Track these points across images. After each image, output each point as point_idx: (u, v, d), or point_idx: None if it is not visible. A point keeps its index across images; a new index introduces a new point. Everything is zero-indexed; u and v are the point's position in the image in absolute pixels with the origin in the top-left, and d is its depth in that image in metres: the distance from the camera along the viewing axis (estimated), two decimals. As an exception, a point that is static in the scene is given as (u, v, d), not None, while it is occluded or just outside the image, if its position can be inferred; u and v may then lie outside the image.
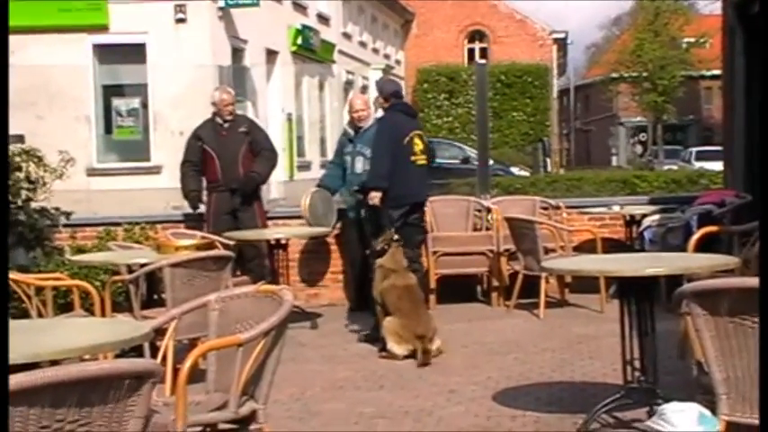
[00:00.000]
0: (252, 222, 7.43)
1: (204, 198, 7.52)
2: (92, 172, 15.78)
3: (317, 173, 22.28)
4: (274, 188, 16.86)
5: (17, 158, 5.67)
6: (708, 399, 3.21)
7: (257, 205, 7.62)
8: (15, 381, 2.02)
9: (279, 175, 17.51)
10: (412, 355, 5.86)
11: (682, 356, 4.71)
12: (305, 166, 21.80)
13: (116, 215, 8.24)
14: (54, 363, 3.46)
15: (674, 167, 29.88)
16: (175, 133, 16.70)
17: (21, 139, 6.80)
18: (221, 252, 5.33)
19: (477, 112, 8.70)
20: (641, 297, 3.86)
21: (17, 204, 5.78)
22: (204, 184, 7.55)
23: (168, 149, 16.59)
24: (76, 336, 2.82)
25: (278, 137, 20.15)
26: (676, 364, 4.49)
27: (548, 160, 24.73)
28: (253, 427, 3.34)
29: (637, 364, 4.06)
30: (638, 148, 46.98)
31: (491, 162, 22.62)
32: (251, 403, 3.33)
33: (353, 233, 7.52)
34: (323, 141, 24.07)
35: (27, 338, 2.77)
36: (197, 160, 7.47)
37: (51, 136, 13.10)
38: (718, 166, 27.08)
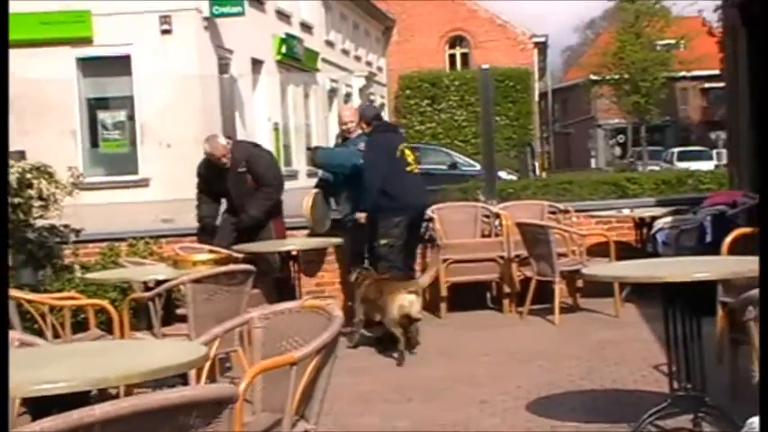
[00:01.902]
0: (266, 235, 7.26)
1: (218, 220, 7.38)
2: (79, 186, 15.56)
3: (304, 182, 22.16)
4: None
5: (28, 175, 5.53)
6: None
7: (273, 221, 7.43)
8: (102, 410, 1.91)
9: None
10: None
11: (720, 361, 4.67)
12: (292, 176, 21.66)
13: (119, 230, 8.09)
14: (102, 391, 3.36)
15: (657, 168, 30.06)
16: (163, 145, 16.58)
17: (22, 155, 6.64)
18: (242, 266, 5.21)
19: (482, 118, 8.65)
20: (687, 302, 3.79)
21: (28, 222, 5.63)
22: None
23: (156, 162, 16.45)
24: (136, 359, 2.70)
25: (266, 146, 20.03)
26: (715, 369, 4.43)
27: (536, 164, 24.76)
28: (304, 447, 3.23)
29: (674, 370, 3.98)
30: (617, 150, 47.23)
31: (478, 167, 22.66)
32: (302, 423, 3.22)
33: (348, 242, 7.44)
34: (309, 149, 23.94)
35: (84, 363, 2.65)
36: (207, 190, 7.33)
37: (37, 151, 12.81)
38: (700, 165, 27.31)
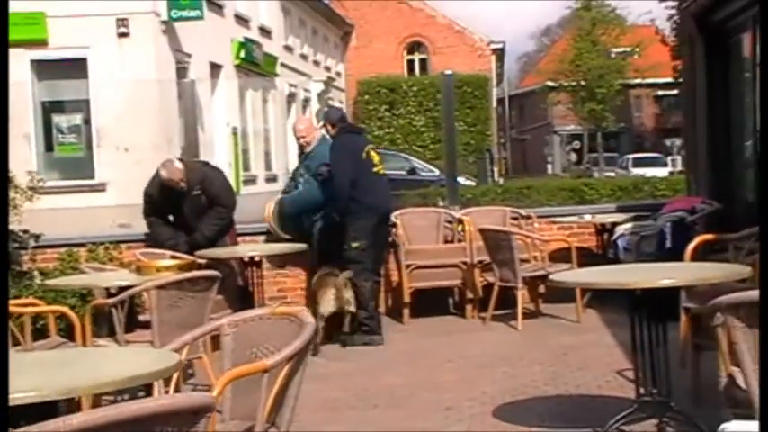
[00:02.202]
0: (221, 244, 7.18)
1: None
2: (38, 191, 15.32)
3: (262, 187, 22.08)
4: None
5: (-13, 180, 5.43)
6: (738, 412, 3.17)
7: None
8: (78, 420, 1.88)
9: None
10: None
11: (683, 366, 4.73)
12: (251, 180, 21.56)
13: (77, 235, 7.96)
14: (69, 401, 3.30)
15: (613, 174, 30.46)
16: (120, 149, 16.38)
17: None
18: (208, 272, 5.15)
19: (445, 124, 8.68)
20: (653, 308, 3.83)
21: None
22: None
23: (113, 166, 16.24)
24: (107, 368, 2.65)
25: (224, 151, 19.91)
26: (678, 374, 4.49)
27: (495, 169, 24.92)
28: (275, 455, 3.20)
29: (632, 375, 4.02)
30: (573, 156, 47.78)
31: (437, 172, 22.67)
32: (274, 431, 3.19)
33: (316, 246, 7.41)
34: (267, 155, 23.85)
35: (54, 372, 2.59)
36: (158, 214, 7.15)
37: (-9, 154, 12.69)
38: (655, 172, 27.61)
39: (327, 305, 6.68)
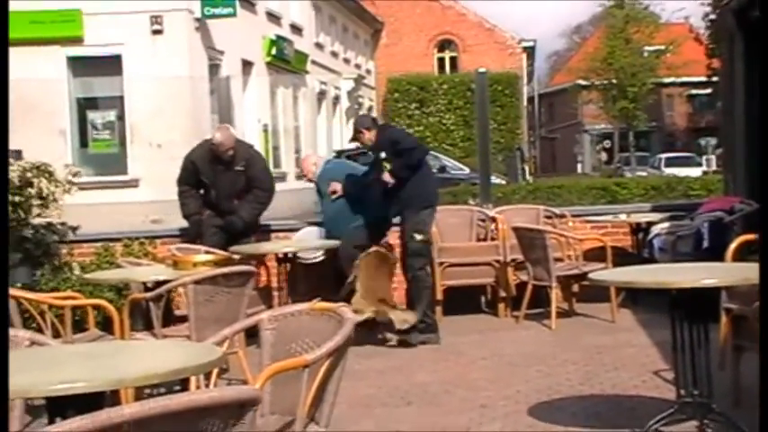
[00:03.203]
0: (244, 237, 7.17)
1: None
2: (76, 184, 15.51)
3: (292, 184, 22.12)
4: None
5: (29, 174, 5.49)
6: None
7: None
8: (130, 411, 1.89)
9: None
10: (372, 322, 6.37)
11: (722, 367, 4.68)
12: (281, 178, 21.62)
13: (112, 230, 8.04)
14: (113, 393, 3.33)
15: (645, 174, 30.19)
16: (153, 146, 16.51)
17: (19, 154, 6.58)
18: (244, 267, 5.18)
19: (478, 122, 8.65)
20: (694, 308, 3.79)
21: (26, 221, 5.59)
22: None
23: (146, 162, 16.37)
24: (151, 361, 2.68)
25: (255, 148, 20.00)
26: (717, 375, 4.44)
27: (525, 168, 24.80)
28: (314, 450, 3.21)
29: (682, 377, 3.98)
30: (603, 155, 47.43)
31: (467, 170, 22.57)
32: (313, 426, 3.20)
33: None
34: (298, 152, 23.91)
35: (100, 364, 2.62)
36: (193, 183, 7.21)
37: (26, 150, 12.82)
38: (688, 172, 27.33)
39: (366, 311, 6.41)
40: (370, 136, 6.87)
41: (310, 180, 7.69)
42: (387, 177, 6.72)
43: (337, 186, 7.27)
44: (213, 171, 7.10)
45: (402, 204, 6.74)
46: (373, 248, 6.70)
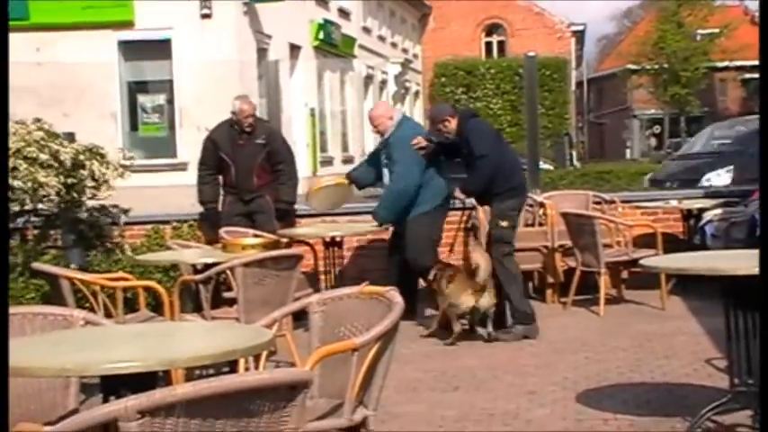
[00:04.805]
0: (269, 225, 7.10)
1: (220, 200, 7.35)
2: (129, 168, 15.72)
3: (339, 168, 22.17)
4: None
5: (81, 156, 5.58)
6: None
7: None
8: (183, 390, 1.91)
9: (301, 170, 17.47)
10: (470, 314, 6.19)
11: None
12: (327, 162, 21.70)
13: (162, 213, 8.14)
14: (166, 373, 3.37)
15: (695, 160, 29.68)
16: (201, 129, 16.61)
17: (72, 136, 6.68)
18: (292, 251, 5.21)
19: (527, 107, 8.59)
20: (750, 296, 3.72)
21: (79, 202, 5.69)
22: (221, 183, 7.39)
23: (194, 146, 16.31)
24: (203, 342, 2.70)
25: (302, 132, 20.08)
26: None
27: (573, 153, 24.59)
28: (363, 433, 3.22)
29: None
30: (653, 141, 46.72)
31: (515, 156, 22.43)
32: (362, 409, 3.21)
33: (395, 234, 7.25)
34: (344, 136, 23.96)
35: (153, 344, 2.66)
36: (213, 164, 7.29)
37: (78, 133, 13.01)
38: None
39: (467, 300, 6.13)
40: (454, 123, 6.45)
41: (381, 133, 6.96)
42: (458, 194, 6.58)
43: (422, 140, 6.71)
44: (233, 145, 7.19)
45: (490, 192, 6.46)
46: (447, 265, 6.52)
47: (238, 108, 7.15)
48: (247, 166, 7.18)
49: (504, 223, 6.45)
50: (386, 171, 6.92)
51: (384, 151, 6.98)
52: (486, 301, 6.13)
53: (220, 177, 7.38)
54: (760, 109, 6.06)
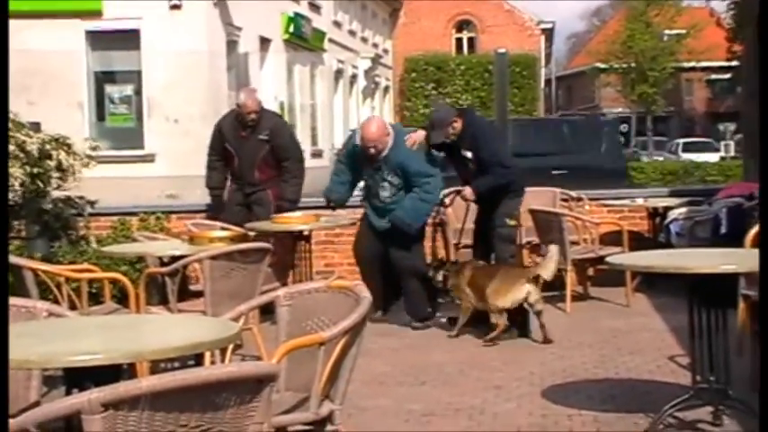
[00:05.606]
0: (266, 216, 7.18)
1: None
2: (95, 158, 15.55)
3: (308, 162, 22.10)
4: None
5: (48, 146, 5.51)
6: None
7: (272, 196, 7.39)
8: (148, 383, 1.90)
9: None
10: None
11: (740, 353, 4.66)
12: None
13: (129, 204, 8.06)
14: (130, 366, 3.34)
15: (661, 159, 30.04)
16: (170, 120, 16.52)
17: (38, 126, 6.59)
18: (260, 244, 5.19)
19: (497, 104, 8.60)
20: (711, 294, 3.77)
21: (45, 192, 5.62)
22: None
23: (162, 137, 16.39)
24: (169, 335, 2.68)
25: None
26: (736, 361, 4.41)
27: (542, 151, 24.75)
28: (329, 428, 3.22)
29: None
30: (620, 139, 47.08)
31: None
32: (328, 403, 3.21)
33: (368, 232, 7.13)
34: (314, 130, 23.90)
35: (118, 336, 2.63)
36: (220, 151, 7.26)
37: (44, 122, 12.85)
38: (706, 157, 27.12)
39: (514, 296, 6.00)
40: (461, 124, 6.34)
41: (379, 153, 6.33)
42: (468, 194, 6.50)
43: (419, 136, 6.43)
44: (237, 138, 7.11)
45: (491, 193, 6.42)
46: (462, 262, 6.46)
47: (242, 102, 7.02)
48: (249, 160, 7.10)
49: (512, 222, 6.48)
50: (386, 185, 6.49)
51: (385, 167, 6.46)
52: (538, 293, 5.99)
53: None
54: (760, 109, 6.13)
